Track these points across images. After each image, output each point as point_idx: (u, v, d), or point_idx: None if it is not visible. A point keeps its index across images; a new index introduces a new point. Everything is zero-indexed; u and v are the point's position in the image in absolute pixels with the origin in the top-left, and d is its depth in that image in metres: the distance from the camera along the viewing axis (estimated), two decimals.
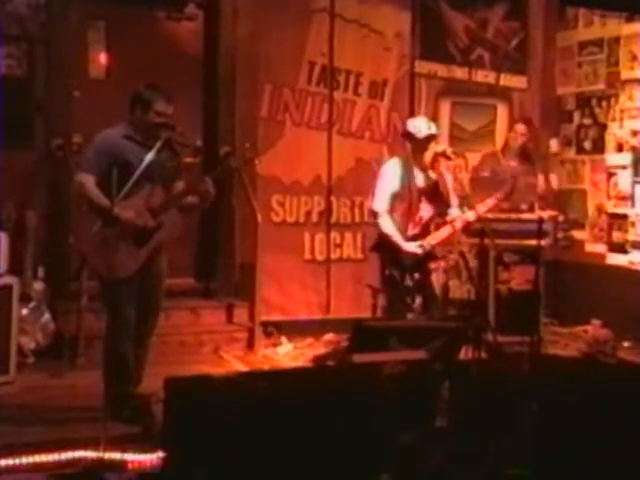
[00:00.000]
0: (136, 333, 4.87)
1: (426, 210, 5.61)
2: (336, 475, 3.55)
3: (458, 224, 5.59)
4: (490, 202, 5.72)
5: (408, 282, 5.48)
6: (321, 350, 6.52)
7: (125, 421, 4.61)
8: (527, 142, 7.31)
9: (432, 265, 5.63)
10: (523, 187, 7.07)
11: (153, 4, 6.89)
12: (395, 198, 5.54)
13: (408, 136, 5.61)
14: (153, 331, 5.04)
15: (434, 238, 5.57)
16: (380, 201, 5.55)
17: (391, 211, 5.54)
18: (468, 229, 6.23)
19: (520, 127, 7.35)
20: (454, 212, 5.62)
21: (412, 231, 5.57)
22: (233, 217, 6.99)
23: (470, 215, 5.60)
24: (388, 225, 5.51)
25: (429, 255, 5.57)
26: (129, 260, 4.71)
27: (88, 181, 4.73)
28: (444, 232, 5.59)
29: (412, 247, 5.49)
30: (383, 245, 5.58)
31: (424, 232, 5.59)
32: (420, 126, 5.58)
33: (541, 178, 7.29)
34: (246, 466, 3.41)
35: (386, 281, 5.56)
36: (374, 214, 5.61)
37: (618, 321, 6.69)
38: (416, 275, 5.50)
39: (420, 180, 5.59)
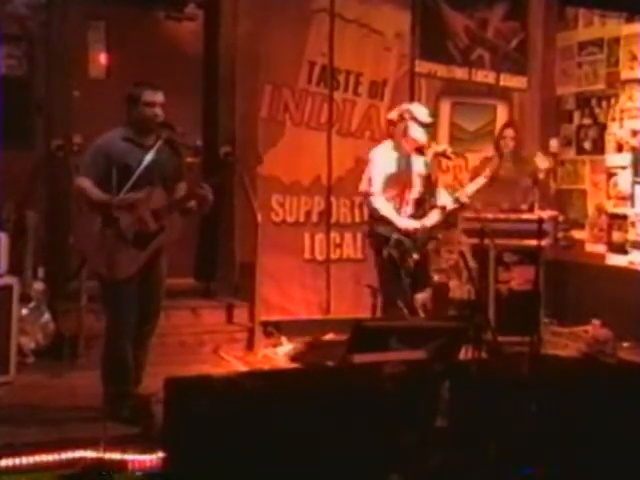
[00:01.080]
0: (136, 334, 4.87)
1: (415, 192, 5.65)
2: (336, 475, 3.55)
3: (449, 206, 5.62)
4: (480, 180, 5.76)
5: (409, 263, 5.48)
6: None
7: (125, 421, 4.61)
8: (518, 145, 7.27)
9: (430, 246, 5.64)
10: (523, 188, 7.08)
11: (153, 4, 6.90)
12: (388, 181, 5.56)
13: (412, 120, 5.60)
14: (153, 332, 5.04)
15: (429, 220, 5.58)
16: (375, 183, 5.59)
17: (383, 193, 5.57)
18: (468, 228, 6.26)
19: (509, 132, 7.25)
20: (443, 196, 5.65)
21: (405, 212, 5.60)
22: (233, 217, 6.99)
23: (461, 197, 5.63)
24: (384, 206, 5.55)
25: (427, 237, 5.58)
26: (129, 261, 4.70)
27: (86, 184, 4.72)
28: (436, 215, 5.61)
29: (412, 223, 5.51)
30: (379, 228, 5.57)
31: (418, 213, 5.62)
32: (420, 112, 5.64)
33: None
34: (246, 466, 3.41)
35: (384, 263, 5.53)
36: (368, 196, 5.62)
37: (618, 321, 6.68)
38: (415, 256, 5.50)
39: (413, 163, 5.62)
